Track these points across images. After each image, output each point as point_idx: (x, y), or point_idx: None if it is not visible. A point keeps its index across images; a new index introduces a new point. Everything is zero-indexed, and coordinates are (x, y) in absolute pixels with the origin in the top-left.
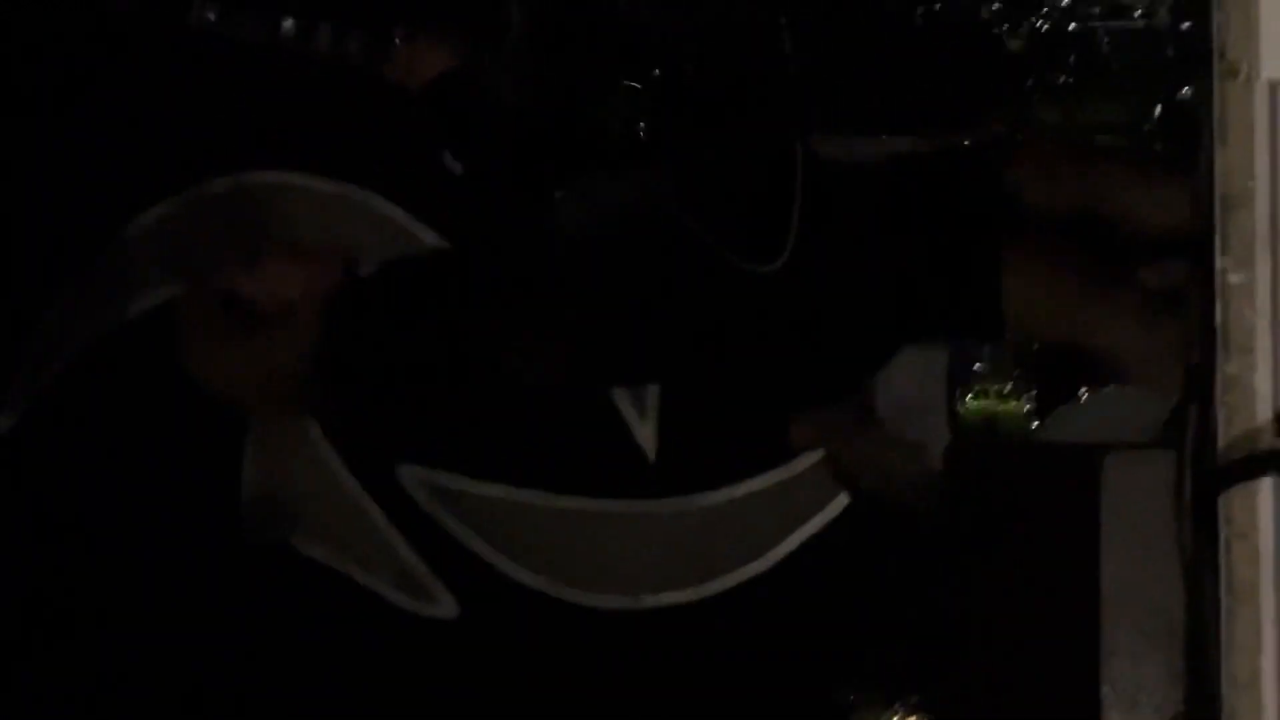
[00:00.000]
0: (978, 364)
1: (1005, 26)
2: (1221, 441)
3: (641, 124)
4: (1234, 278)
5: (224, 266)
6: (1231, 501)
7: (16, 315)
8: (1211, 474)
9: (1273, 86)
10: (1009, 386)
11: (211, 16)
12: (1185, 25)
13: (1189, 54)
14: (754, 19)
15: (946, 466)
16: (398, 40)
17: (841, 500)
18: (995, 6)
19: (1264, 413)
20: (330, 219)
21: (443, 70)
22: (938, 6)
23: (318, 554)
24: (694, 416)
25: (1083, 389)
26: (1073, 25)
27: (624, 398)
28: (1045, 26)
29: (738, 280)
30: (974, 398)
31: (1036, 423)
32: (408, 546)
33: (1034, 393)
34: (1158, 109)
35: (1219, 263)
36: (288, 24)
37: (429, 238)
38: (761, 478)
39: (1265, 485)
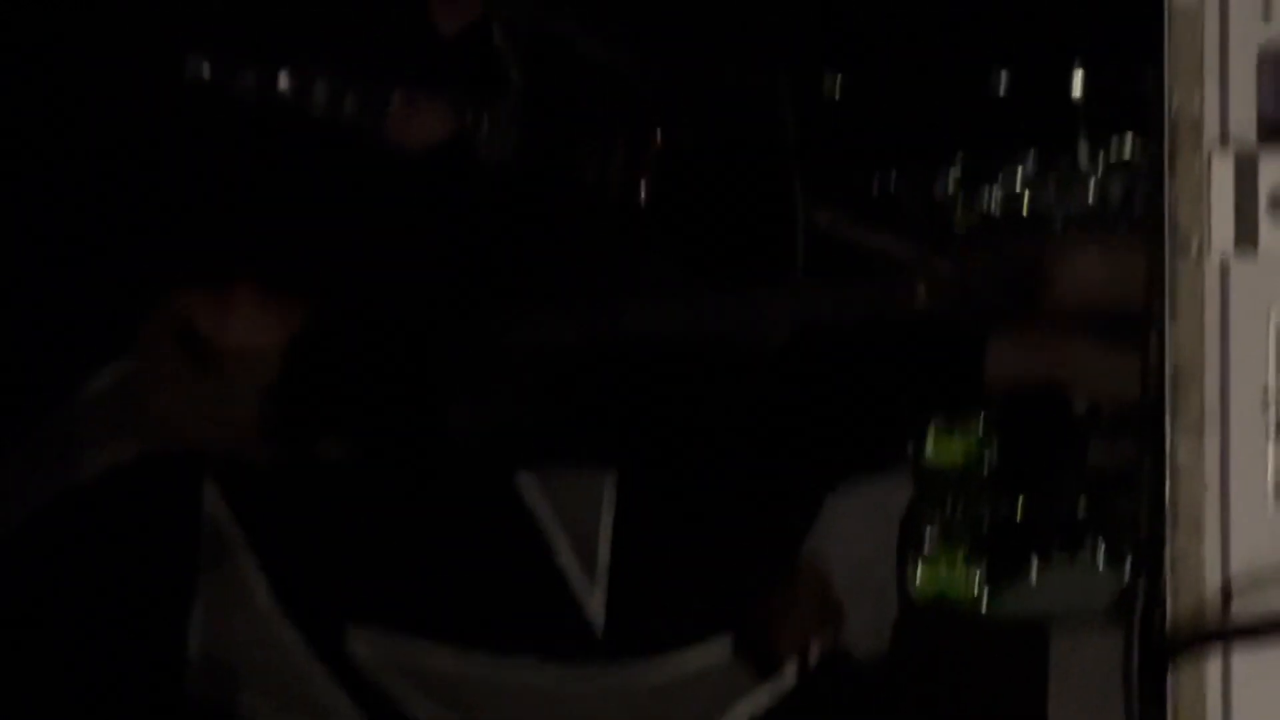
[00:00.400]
0: (928, 538)
1: (959, 204)
2: (1170, 616)
3: (642, 186)
4: (1183, 453)
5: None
6: (1180, 676)
7: None
8: (1160, 649)
9: (1223, 263)
10: (959, 560)
11: (205, 73)
12: (1137, 201)
13: (1141, 230)
14: (753, 85)
15: (893, 639)
16: (396, 101)
17: (791, 670)
18: (952, 182)
19: (1212, 588)
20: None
21: (442, 133)
22: (894, 180)
23: (263, 713)
24: (644, 582)
25: (1033, 563)
26: (1027, 202)
27: (572, 564)
28: (997, 206)
29: (731, 358)
30: (925, 570)
31: (986, 598)
32: (354, 708)
33: (984, 567)
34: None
35: (1168, 437)
36: (284, 80)
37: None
38: (711, 646)
39: (1213, 660)
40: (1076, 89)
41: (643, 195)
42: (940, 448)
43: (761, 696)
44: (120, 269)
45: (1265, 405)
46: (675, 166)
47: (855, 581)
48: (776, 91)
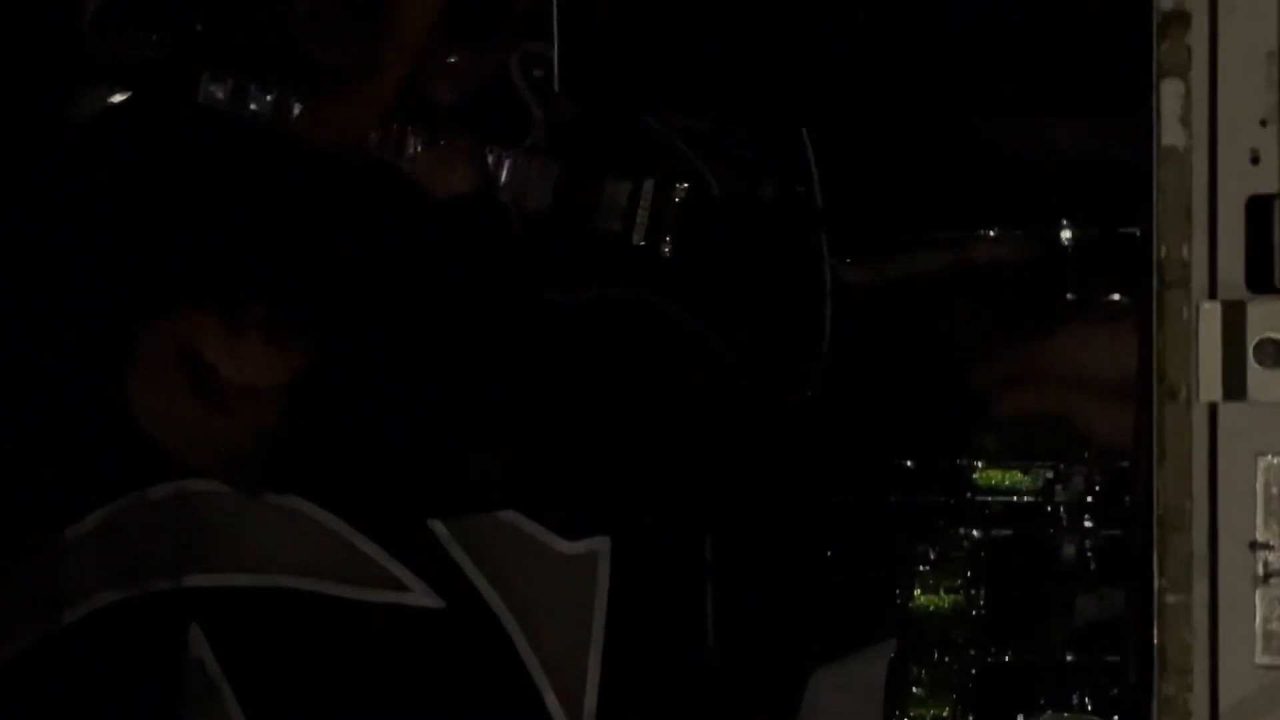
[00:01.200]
0: (915, 688)
1: None
2: None
3: (667, 239)
4: (1170, 598)
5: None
6: None
7: None
8: None
9: (1211, 409)
10: (946, 711)
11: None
12: None
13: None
14: (779, 139)
15: None
16: (419, 146)
17: None
18: None
19: None
20: (268, 530)
21: (469, 179)
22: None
23: None
24: None
25: (1019, 715)
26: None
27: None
28: None
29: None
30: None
31: None
32: None
33: (972, 714)
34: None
35: (1156, 583)
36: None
37: (394, 569)
38: None
39: None
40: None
41: (666, 247)
42: (927, 594)
43: None
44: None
45: (1253, 551)
46: (699, 218)
47: None
48: (803, 146)
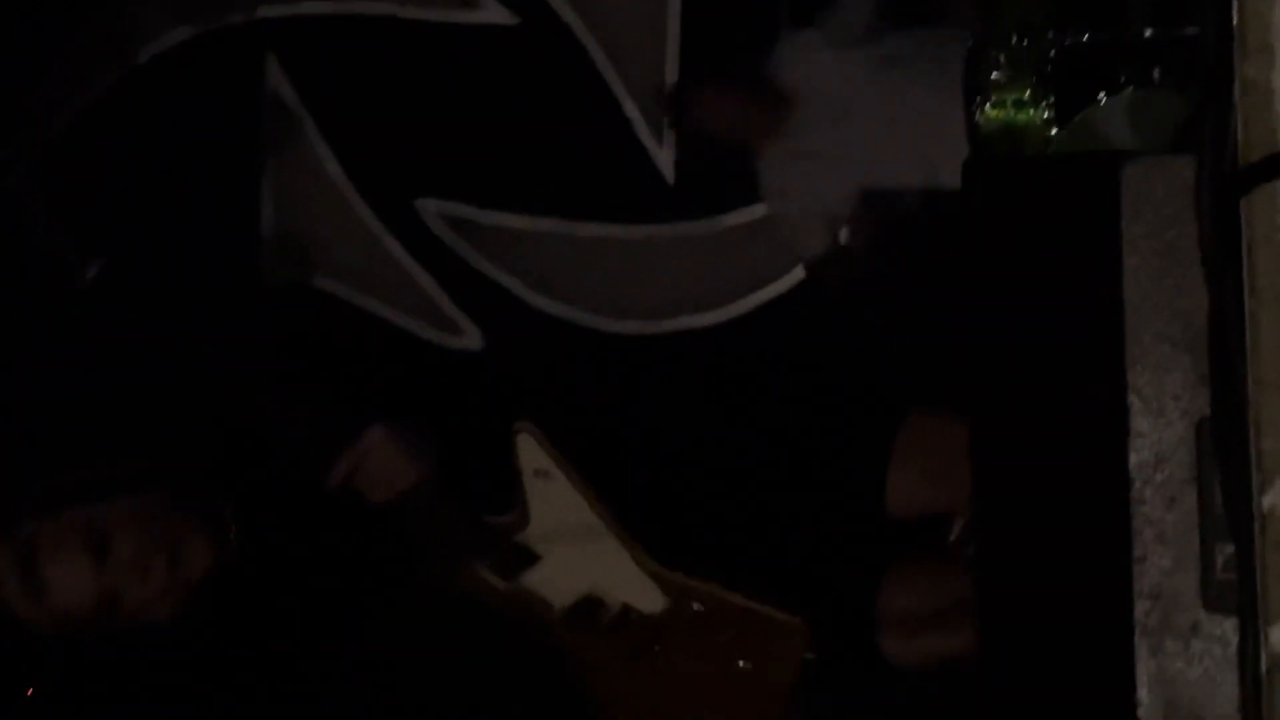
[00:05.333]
0: (995, 72)
1: None
2: (1240, 144)
3: None
4: None
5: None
6: (1252, 204)
7: None
8: (1231, 177)
9: None
10: (1027, 94)
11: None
12: None
13: None
14: None
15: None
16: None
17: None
18: None
19: None
20: None
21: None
22: None
23: (339, 291)
24: (712, 137)
25: (1101, 93)
26: None
27: (640, 123)
28: None
29: None
30: (992, 107)
31: (1055, 130)
32: (429, 279)
33: (1052, 100)
34: None
35: None
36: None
37: None
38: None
39: None
40: None
41: None
42: None
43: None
44: None
45: None
46: None
47: None
48: None
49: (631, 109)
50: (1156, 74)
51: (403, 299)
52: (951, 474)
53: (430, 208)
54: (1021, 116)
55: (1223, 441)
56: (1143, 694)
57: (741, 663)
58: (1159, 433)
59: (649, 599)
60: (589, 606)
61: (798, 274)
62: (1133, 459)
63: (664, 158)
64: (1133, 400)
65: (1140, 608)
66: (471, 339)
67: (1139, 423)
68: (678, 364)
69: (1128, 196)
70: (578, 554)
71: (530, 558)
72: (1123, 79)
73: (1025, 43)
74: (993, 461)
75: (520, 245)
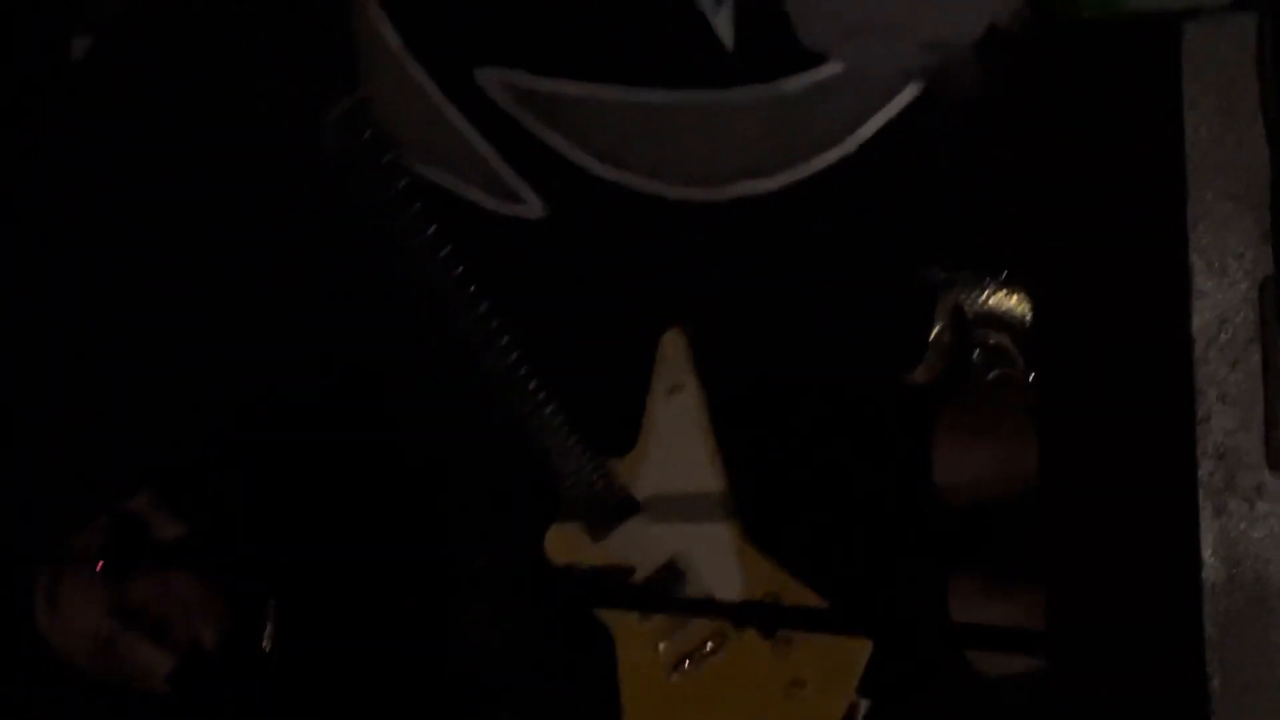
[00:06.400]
0: None
1: None
2: None
3: None
4: None
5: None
6: None
7: None
8: None
9: None
10: None
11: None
12: None
13: None
14: None
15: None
16: None
17: (918, 84)
18: None
19: None
20: None
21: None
22: None
23: (399, 160)
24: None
25: None
26: None
27: None
28: None
29: None
30: None
31: None
32: (490, 148)
33: None
34: None
35: None
36: None
37: None
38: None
39: None
40: None
41: None
42: None
43: (894, 104)
44: None
45: None
46: None
47: None
48: None
49: None
50: None
51: (463, 168)
52: (1005, 436)
53: (491, 76)
54: None
55: None
56: (1206, 555)
57: (795, 684)
58: (1222, 292)
59: (729, 584)
60: (669, 578)
61: (862, 134)
62: (1195, 319)
63: (723, 21)
64: (1194, 260)
65: (1204, 468)
66: (533, 208)
67: (1201, 282)
68: (738, 230)
69: (1188, 54)
70: (677, 503)
71: (631, 506)
72: None
73: None
74: (1053, 324)
75: (581, 113)
